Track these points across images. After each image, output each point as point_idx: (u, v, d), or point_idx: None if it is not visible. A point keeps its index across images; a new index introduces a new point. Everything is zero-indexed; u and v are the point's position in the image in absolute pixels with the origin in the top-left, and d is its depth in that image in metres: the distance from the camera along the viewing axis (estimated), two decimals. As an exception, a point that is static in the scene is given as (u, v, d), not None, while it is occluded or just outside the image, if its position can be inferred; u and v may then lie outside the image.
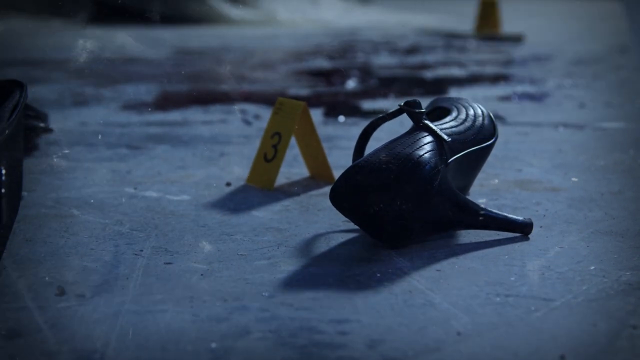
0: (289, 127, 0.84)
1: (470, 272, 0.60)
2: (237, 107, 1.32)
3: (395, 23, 3.39)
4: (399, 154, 0.65)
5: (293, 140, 0.88)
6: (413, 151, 0.65)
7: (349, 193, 0.64)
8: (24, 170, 0.72)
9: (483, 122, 0.73)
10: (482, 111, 0.75)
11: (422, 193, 0.64)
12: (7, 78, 0.72)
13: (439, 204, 0.65)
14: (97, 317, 0.52)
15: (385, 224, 0.64)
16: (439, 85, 1.60)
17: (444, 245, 0.66)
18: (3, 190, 0.54)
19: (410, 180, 0.64)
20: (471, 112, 0.74)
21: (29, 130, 0.99)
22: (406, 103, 0.69)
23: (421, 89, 1.57)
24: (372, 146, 0.72)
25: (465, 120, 0.73)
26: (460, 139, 0.70)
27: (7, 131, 0.58)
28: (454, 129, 0.71)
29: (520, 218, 0.67)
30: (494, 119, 0.75)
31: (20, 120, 0.64)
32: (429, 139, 0.67)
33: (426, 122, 0.68)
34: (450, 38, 2.67)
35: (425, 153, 0.65)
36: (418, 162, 0.64)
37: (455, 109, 0.75)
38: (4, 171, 0.55)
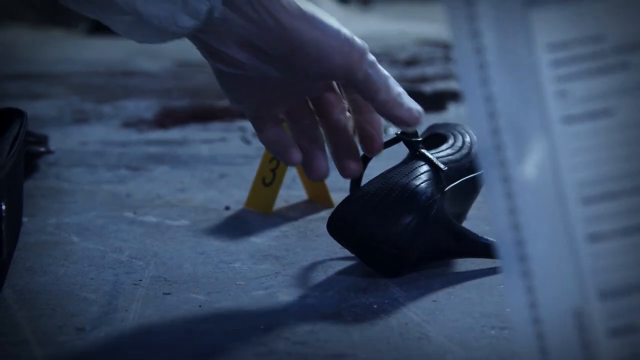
0: (287, 152, 0.84)
1: (466, 302, 0.61)
2: (237, 125, 1.33)
3: (395, 32, 3.40)
4: (395, 184, 0.65)
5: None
6: (409, 181, 0.66)
7: (345, 224, 0.65)
8: (24, 195, 0.73)
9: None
10: None
11: (418, 223, 0.64)
12: (6, 107, 0.73)
13: (435, 233, 0.66)
14: (96, 352, 0.53)
15: (381, 254, 0.64)
16: (438, 101, 1.61)
17: (440, 273, 0.67)
18: (4, 226, 0.55)
19: (406, 211, 0.64)
20: (467, 139, 0.75)
21: (29, 156, 0.99)
22: (403, 132, 0.70)
23: (421, 105, 1.57)
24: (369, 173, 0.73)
25: (461, 147, 0.73)
26: (457, 167, 0.71)
27: (7, 165, 0.59)
28: (450, 157, 0.71)
29: None
30: None
31: (20, 152, 0.65)
32: (425, 168, 0.68)
33: (422, 151, 0.69)
34: (450, 49, 2.68)
35: (422, 183, 0.66)
36: (414, 192, 0.65)
37: (451, 136, 0.75)
38: (4, 207, 0.55)
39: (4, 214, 0.55)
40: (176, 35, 0.58)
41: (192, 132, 1.29)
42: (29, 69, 2.09)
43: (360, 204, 0.64)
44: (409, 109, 0.59)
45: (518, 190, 0.39)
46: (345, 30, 0.58)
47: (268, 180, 0.85)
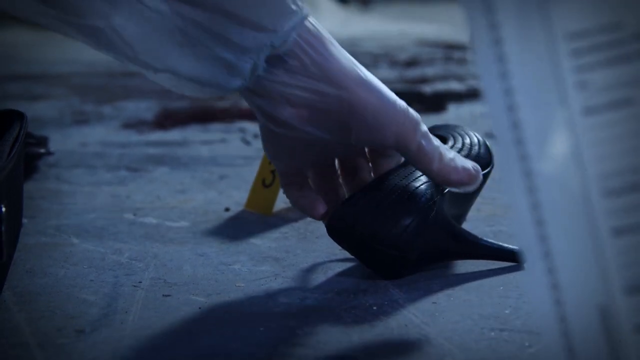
0: (287, 153, 0.85)
1: (465, 304, 0.61)
2: (237, 126, 1.33)
3: (395, 33, 3.40)
4: (395, 186, 0.65)
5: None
6: (409, 183, 0.66)
7: (345, 225, 0.65)
8: (24, 196, 0.73)
9: (479, 151, 0.74)
10: (478, 139, 0.75)
11: (418, 225, 0.64)
12: (6, 108, 0.72)
13: (435, 234, 0.66)
14: (95, 355, 0.53)
15: (381, 255, 0.64)
16: (439, 101, 1.61)
17: (440, 275, 0.67)
18: (4, 228, 0.55)
19: (406, 212, 0.64)
20: (467, 140, 0.75)
21: (29, 157, 0.99)
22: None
23: (421, 105, 1.57)
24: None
25: (461, 149, 0.73)
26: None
27: (7, 168, 0.59)
28: None
29: (517, 247, 0.68)
30: (490, 147, 0.75)
31: (20, 154, 0.65)
32: None
33: None
34: (450, 49, 2.68)
35: (422, 185, 0.66)
36: (414, 194, 0.65)
37: (451, 138, 0.75)
38: (4, 209, 0.55)
39: (3, 216, 0.55)
40: (225, 93, 0.59)
41: (192, 133, 1.29)
42: (29, 70, 2.09)
43: (359, 206, 0.65)
44: (465, 169, 0.62)
45: (541, 185, 0.38)
46: (400, 101, 0.60)
47: (268, 182, 0.85)
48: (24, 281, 0.65)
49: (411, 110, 0.60)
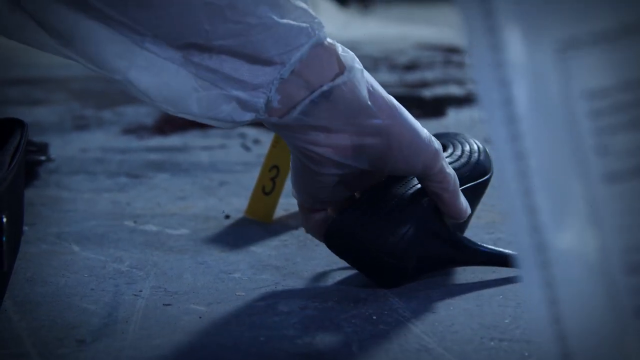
0: (287, 160, 0.85)
1: (465, 313, 0.61)
2: (237, 131, 1.33)
3: (395, 36, 3.40)
4: (392, 194, 0.65)
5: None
6: (406, 190, 0.66)
7: (342, 237, 0.65)
8: (25, 203, 0.73)
9: (479, 158, 0.74)
10: (477, 147, 0.76)
11: (416, 232, 0.65)
12: (7, 117, 0.73)
13: (433, 242, 0.66)
14: (96, 365, 0.53)
15: (379, 264, 0.64)
16: (438, 106, 1.61)
17: (440, 284, 0.67)
18: (5, 239, 0.55)
19: (404, 220, 0.64)
20: (467, 148, 0.75)
21: (30, 164, 0.99)
22: None
23: (420, 111, 1.58)
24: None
25: (460, 156, 0.73)
26: (456, 176, 0.71)
27: (8, 178, 0.59)
28: (450, 166, 0.71)
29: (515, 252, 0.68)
30: (489, 154, 0.76)
31: (21, 163, 0.65)
32: None
33: None
34: (449, 53, 2.69)
35: (418, 192, 0.66)
36: (411, 202, 0.65)
37: (451, 145, 0.76)
38: (5, 220, 0.56)
39: (4, 227, 0.56)
40: (239, 125, 0.61)
41: (192, 138, 1.29)
42: (28, 74, 2.10)
43: (356, 215, 0.65)
44: (463, 203, 0.66)
45: (555, 260, 0.34)
46: (425, 130, 0.63)
47: (268, 189, 0.85)
48: (25, 290, 0.66)
49: (433, 138, 0.63)
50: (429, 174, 0.63)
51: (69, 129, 1.37)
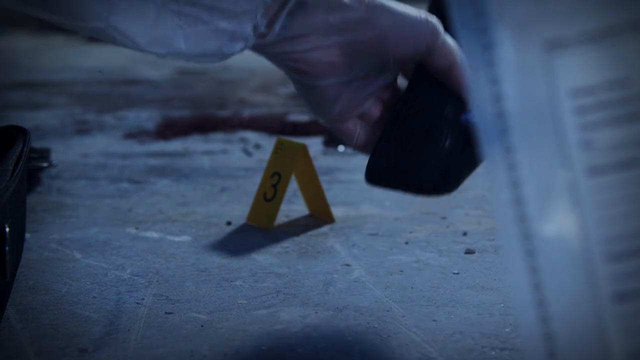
0: (289, 168, 0.85)
1: (466, 322, 0.61)
2: (238, 136, 1.33)
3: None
4: (421, 112, 0.64)
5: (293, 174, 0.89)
6: (432, 107, 0.64)
7: (379, 180, 0.63)
8: (27, 210, 0.73)
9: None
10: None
11: (453, 142, 0.62)
12: (9, 125, 0.73)
13: (468, 147, 0.64)
14: (99, 374, 0.53)
15: (422, 189, 0.62)
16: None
17: (441, 291, 0.67)
18: (7, 248, 0.55)
19: (440, 135, 0.62)
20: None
21: (32, 171, 1.00)
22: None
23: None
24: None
25: None
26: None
27: (10, 188, 0.59)
28: None
29: None
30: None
31: (24, 172, 0.65)
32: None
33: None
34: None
35: (445, 105, 0.64)
36: (442, 116, 0.63)
37: None
38: (8, 229, 0.56)
39: (7, 237, 0.56)
40: (229, 57, 0.60)
41: (193, 143, 1.29)
42: (29, 78, 2.10)
43: (388, 154, 0.63)
44: None
45: (540, 248, 0.37)
46: (415, 9, 0.62)
47: (269, 196, 0.86)
48: (27, 298, 0.66)
49: (428, 15, 0.62)
50: (433, 51, 0.61)
51: (71, 133, 1.37)
